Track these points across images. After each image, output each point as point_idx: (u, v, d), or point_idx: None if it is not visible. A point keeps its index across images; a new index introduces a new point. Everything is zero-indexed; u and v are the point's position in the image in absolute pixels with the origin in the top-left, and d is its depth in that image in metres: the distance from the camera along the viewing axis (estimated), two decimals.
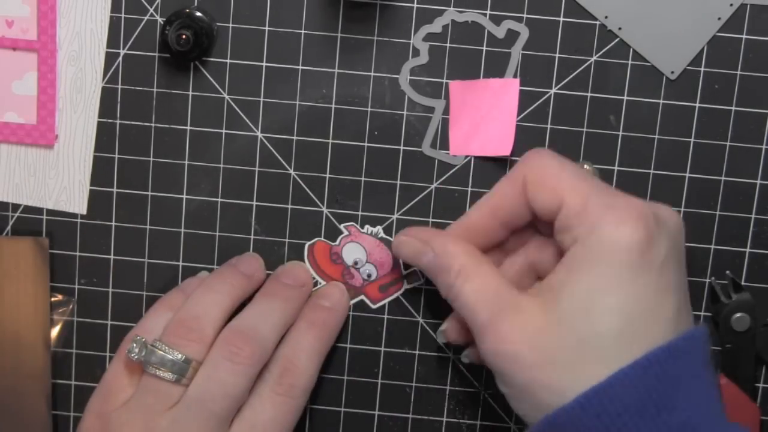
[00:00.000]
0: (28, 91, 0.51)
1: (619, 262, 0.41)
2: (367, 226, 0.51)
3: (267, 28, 0.50)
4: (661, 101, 0.50)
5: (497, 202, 0.47)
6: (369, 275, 0.52)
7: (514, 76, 0.50)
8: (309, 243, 0.52)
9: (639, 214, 0.41)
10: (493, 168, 0.51)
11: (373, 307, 0.52)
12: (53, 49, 0.50)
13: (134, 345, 0.47)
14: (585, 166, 0.50)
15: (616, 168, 0.50)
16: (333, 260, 0.52)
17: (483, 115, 0.50)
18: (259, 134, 0.51)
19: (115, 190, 0.52)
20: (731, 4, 0.49)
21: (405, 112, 0.50)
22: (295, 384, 0.48)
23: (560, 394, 0.40)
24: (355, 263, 0.52)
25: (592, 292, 0.41)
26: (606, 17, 0.49)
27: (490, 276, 0.44)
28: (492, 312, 0.43)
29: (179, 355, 0.46)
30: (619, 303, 0.41)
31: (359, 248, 0.52)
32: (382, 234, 0.51)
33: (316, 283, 0.52)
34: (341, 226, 0.51)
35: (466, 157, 0.51)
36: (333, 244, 0.52)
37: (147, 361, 0.46)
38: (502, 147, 0.50)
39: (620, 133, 0.50)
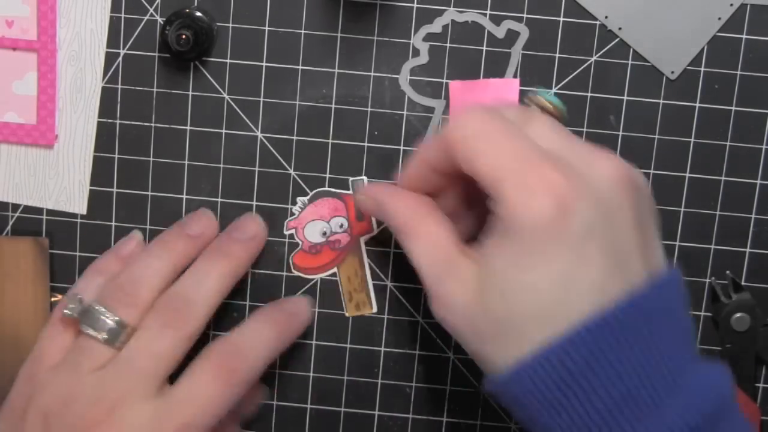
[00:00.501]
0: (28, 91, 0.51)
1: (530, 240, 0.39)
2: (294, 208, 0.51)
3: (267, 28, 0.50)
4: (661, 101, 0.50)
5: (425, 155, 0.45)
6: (342, 225, 0.51)
7: (514, 76, 0.50)
8: (290, 258, 0.52)
9: (549, 188, 0.39)
10: None
11: (376, 232, 0.52)
12: (53, 49, 0.50)
13: (70, 302, 0.47)
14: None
15: None
16: (314, 253, 0.52)
17: None
18: (259, 134, 0.51)
19: (115, 190, 0.52)
20: (731, 4, 0.49)
21: (405, 112, 0.50)
22: (239, 369, 0.46)
23: (495, 368, 0.41)
24: (325, 234, 0.52)
25: (507, 270, 0.40)
26: (606, 17, 0.49)
27: (434, 234, 0.43)
28: (435, 275, 0.42)
29: (114, 317, 0.46)
30: (533, 281, 0.39)
31: (314, 223, 0.51)
32: (306, 201, 0.51)
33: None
34: (284, 231, 0.51)
35: None
36: (300, 247, 0.51)
37: (82, 320, 0.46)
38: None
39: (620, 133, 0.50)
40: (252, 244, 0.50)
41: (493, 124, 0.42)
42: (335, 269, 0.52)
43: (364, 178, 0.51)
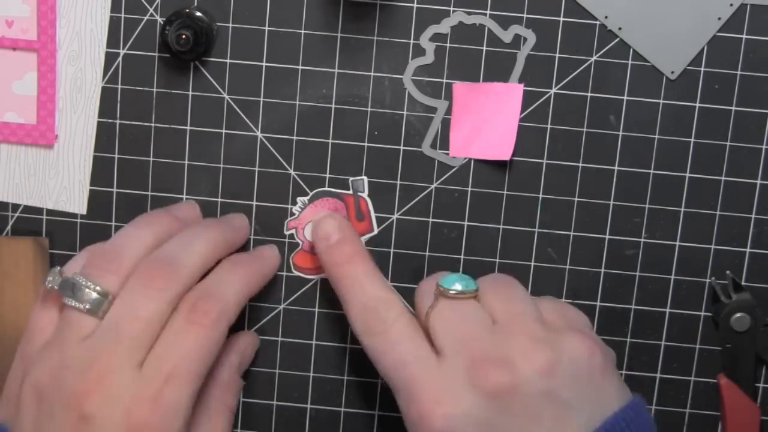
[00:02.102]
0: (28, 91, 0.51)
1: None
2: (294, 208, 0.51)
3: (267, 28, 0.50)
4: (661, 101, 0.50)
5: None
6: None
7: (519, 81, 0.50)
8: (290, 258, 0.52)
9: None
10: (493, 169, 0.51)
11: (376, 232, 0.52)
12: (53, 49, 0.50)
13: (50, 275, 0.46)
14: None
15: (616, 168, 0.50)
16: (314, 253, 0.52)
17: (485, 119, 0.50)
18: (259, 134, 0.51)
19: (115, 190, 0.52)
20: (731, 4, 0.49)
21: (405, 112, 0.50)
22: (210, 310, 0.45)
23: None
24: None
25: None
26: (606, 17, 0.49)
27: None
28: None
29: (95, 287, 0.45)
30: None
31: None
32: (306, 201, 0.51)
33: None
34: (284, 231, 0.51)
35: (466, 157, 0.51)
36: (301, 247, 0.51)
37: (64, 292, 0.45)
38: (503, 151, 0.50)
39: (620, 133, 0.50)
40: (235, 230, 0.50)
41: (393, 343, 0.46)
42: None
43: (364, 178, 0.51)
